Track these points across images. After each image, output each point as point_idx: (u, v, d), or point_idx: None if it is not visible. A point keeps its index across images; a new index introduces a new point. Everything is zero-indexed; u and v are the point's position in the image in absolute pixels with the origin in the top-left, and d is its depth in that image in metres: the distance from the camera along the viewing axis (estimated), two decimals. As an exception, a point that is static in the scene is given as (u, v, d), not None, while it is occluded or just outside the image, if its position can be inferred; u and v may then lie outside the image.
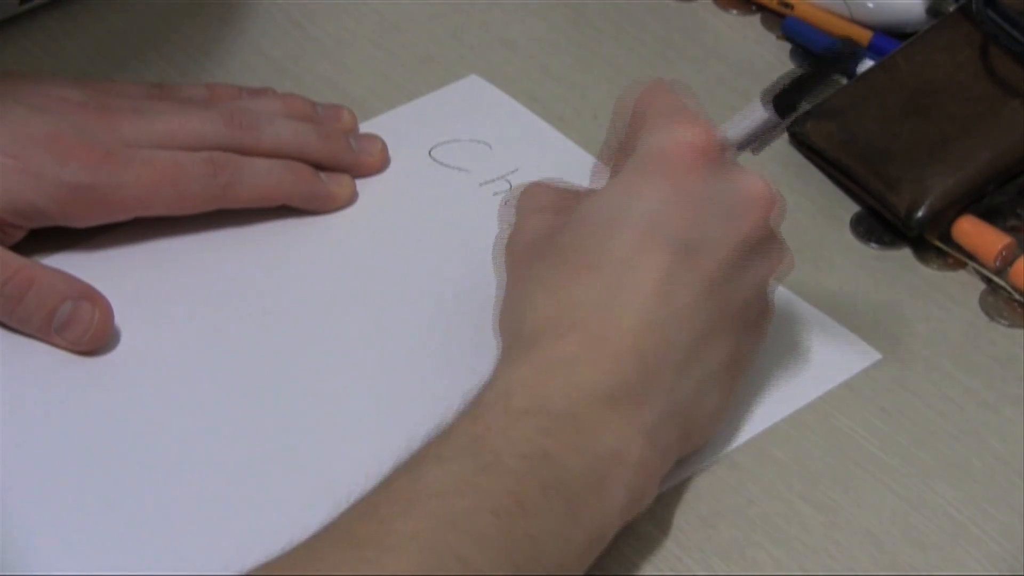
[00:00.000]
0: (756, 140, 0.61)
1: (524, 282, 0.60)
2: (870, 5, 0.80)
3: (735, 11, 0.84)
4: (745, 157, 0.61)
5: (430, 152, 0.74)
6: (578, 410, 0.55)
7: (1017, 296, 0.69)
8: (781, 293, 0.65)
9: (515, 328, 0.59)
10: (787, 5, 0.82)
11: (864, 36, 0.80)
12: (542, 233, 0.60)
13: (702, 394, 0.58)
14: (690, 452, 0.60)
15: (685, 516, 0.59)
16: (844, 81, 0.78)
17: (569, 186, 0.63)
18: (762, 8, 0.84)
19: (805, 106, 0.61)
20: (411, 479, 0.52)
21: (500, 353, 0.59)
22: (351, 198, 0.71)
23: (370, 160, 0.72)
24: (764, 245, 0.60)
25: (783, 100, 0.60)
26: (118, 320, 0.64)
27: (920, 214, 0.70)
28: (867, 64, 0.77)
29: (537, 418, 0.54)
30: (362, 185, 0.72)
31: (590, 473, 0.54)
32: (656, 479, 0.57)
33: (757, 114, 0.60)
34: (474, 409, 0.55)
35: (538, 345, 0.57)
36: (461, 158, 0.74)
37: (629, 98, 0.62)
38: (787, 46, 0.82)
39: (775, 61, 0.81)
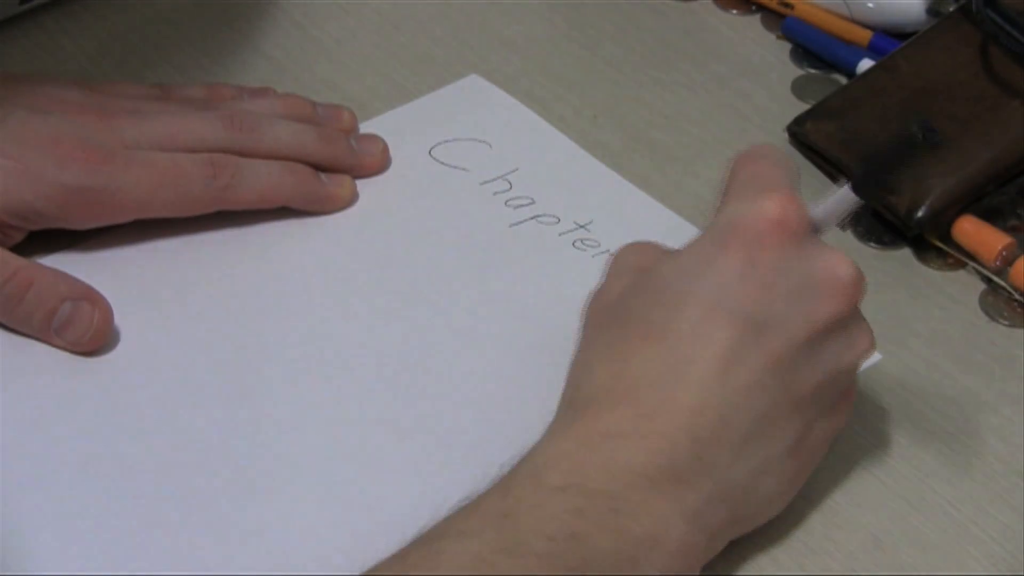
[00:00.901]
0: (842, 220, 0.59)
1: (590, 347, 0.57)
2: (870, 5, 0.80)
3: (735, 11, 0.84)
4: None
5: (430, 151, 0.74)
6: (616, 489, 0.52)
7: (1017, 296, 0.69)
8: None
9: (570, 395, 0.57)
10: (787, 5, 0.82)
11: (864, 36, 0.80)
12: (618, 296, 0.58)
13: (759, 478, 0.56)
14: (741, 534, 0.57)
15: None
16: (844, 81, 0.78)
17: (667, 249, 0.59)
18: (762, 8, 0.84)
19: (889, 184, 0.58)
20: (429, 553, 0.50)
21: (553, 419, 0.56)
22: (351, 199, 0.71)
23: (371, 160, 0.72)
24: (844, 328, 0.57)
25: (867, 180, 0.58)
26: (118, 320, 0.64)
27: (920, 214, 0.70)
28: (867, 64, 0.77)
29: (571, 496, 0.52)
30: (362, 185, 0.72)
31: (622, 556, 0.51)
32: (698, 563, 0.54)
33: (845, 196, 0.58)
34: (507, 481, 0.53)
35: (586, 416, 0.55)
36: (461, 157, 0.74)
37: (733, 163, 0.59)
38: (787, 46, 0.82)
39: (775, 61, 0.81)
